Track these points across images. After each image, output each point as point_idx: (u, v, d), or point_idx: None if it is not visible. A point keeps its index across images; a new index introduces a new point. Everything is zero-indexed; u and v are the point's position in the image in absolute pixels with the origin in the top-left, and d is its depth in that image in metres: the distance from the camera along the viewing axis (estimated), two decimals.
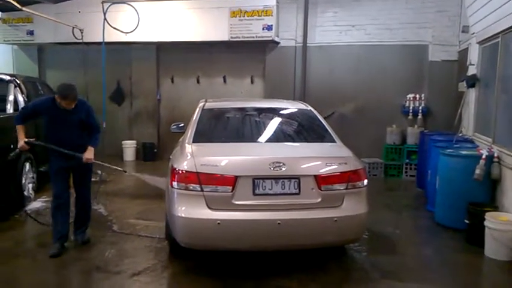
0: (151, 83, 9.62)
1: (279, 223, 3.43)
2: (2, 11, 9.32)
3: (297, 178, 3.57)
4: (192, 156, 3.67)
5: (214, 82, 9.36)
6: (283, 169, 3.53)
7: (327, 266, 3.99)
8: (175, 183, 3.58)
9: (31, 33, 9.40)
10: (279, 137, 4.27)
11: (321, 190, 3.58)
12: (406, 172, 8.00)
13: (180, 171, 3.57)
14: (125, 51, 9.25)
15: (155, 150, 9.56)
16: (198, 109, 4.57)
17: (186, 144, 3.95)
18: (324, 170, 3.63)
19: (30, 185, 5.87)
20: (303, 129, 4.49)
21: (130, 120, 9.86)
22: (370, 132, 8.15)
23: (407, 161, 7.96)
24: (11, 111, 5.75)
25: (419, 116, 7.96)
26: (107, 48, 8.42)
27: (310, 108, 4.81)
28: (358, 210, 3.67)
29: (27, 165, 5.76)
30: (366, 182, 3.78)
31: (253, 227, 3.47)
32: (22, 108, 5.20)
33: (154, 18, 8.55)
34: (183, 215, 3.52)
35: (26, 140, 4.24)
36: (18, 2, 7.25)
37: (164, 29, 8.60)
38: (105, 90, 8.74)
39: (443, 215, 5.17)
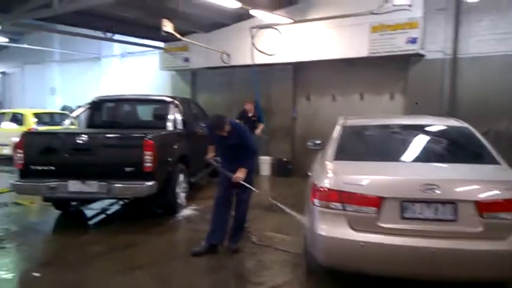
0: (288, 101, 9.89)
1: (432, 252, 3.10)
2: (164, 42, 10.77)
3: (454, 203, 3.19)
4: (334, 173, 3.59)
5: (350, 99, 9.18)
6: (437, 192, 3.20)
7: None
8: (316, 201, 3.53)
9: (186, 60, 10.63)
10: (429, 156, 3.91)
11: (482, 218, 3.13)
12: None
13: (322, 189, 3.51)
14: (265, 72, 9.73)
15: (289, 167, 9.73)
16: (338, 126, 4.49)
17: (327, 162, 3.89)
18: (487, 196, 3.17)
19: (183, 194, 6.50)
20: (458, 149, 4.04)
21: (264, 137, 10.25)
22: None
23: None
24: (171, 128, 6.50)
25: None
26: (248, 70, 8.99)
27: (465, 125, 4.31)
28: None
29: (181, 176, 6.39)
30: None
31: (402, 253, 3.19)
32: None
33: (294, 39, 8.83)
34: (324, 234, 3.44)
35: (209, 157, 5.02)
36: (178, 33, 8.29)
37: (303, 49, 8.80)
38: (260, 110, 9.18)
39: None
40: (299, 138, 9.71)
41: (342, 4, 8.12)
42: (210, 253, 4.63)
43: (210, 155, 5.04)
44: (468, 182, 3.36)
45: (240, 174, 4.61)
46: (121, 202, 6.94)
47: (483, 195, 3.18)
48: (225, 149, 4.81)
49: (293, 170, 9.62)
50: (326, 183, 3.52)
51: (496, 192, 3.18)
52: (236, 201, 4.86)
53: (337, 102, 9.35)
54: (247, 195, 4.82)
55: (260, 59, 9.02)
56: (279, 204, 4.95)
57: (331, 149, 4.09)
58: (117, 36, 10.42)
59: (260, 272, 4.26)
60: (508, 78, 7.39)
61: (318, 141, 5.38)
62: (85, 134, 5.64)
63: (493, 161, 3.68)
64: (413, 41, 7.57)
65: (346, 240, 3.33)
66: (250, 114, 9.04)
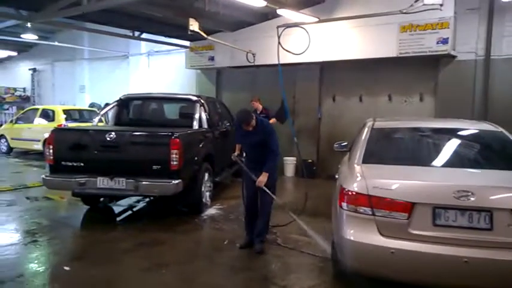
0: (313, 102, 9.80)
1: (465, 261, 3.00)
2: (190, 41, 10.85)
3: (489, 211, 3.08)
4: (362, 177, 3.51)
5: (378, 100, 9.02)
6: (472, 199, 3.09)
7: None
8: (344, 204, 3.46)
9: (212, 59, 10.67)
10: (463, 161, 3.79)
11: None
12: None
13: (350, 193, 3.44)
14: (290, 72, 9.61)
15: (314, 168, 9.64)
16: (366, 128, 4.40)
17: (355, 165, 3.81)
18: None
19: (208, 193, 6.53)
20: (492, 154, 3.91)
21: (291, 138, 10.18)
22: None
23: None
24: (197, 127, 6.54)
25: None
26: (273, 69, 8.92)
27: (500, 129, 4.15)
28: None
29: (206, 175, 6.42)
30: None
31: (434, 262, 3.10)
32: None
33: (320, 38, 8.73)
34: (352, 238, 3.37)
35: (235, 154, 5.10)
36: (203, 32, 8.33)
37: (329, 49, 8.70)
38: (288, 110, 9.11)
39: None
40: (324, 140, 9.62)
41: (369, 3, 7.98)
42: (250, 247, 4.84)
43: (236, 153, 5.09)
44: (504, 189, 3.23)
45: (262, 179, 4.64)
46: (147, 200, 7.03)
47: None
48: (249, 147, 4.87)
49: (318, 171, 9.53)
50: (355, 186, 3.45)
51: None
52: (260, 202, 4.88)
53: (364, 103, 9.20)
54: (271, 197, 4.81)
55: (286, 59, 8.89)
56: (297, 219, 4.95)
57: (359, 152, 4.00)
58: (144, 35, 10.57)
59: (285, 275, 4.24)
60: None
61: (345, 143, 5.31)
62: (113, 131, 5.73)
63: None
64: (444, 41, 7.37)
65: (375, 246, 3.25)
66: (258, 112, 9.01)
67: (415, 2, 5.91)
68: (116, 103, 7.44)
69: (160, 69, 13.45)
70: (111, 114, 7.67)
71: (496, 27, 7.51)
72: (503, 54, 7.50)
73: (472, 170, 3.65)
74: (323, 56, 8.84)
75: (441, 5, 5.84)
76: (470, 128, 4.42)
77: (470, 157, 3.88)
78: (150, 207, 6.95)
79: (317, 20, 8.29)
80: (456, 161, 3.80)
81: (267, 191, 4.69)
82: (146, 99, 7.90)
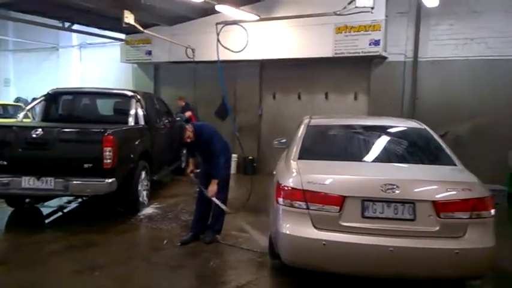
0: (254, 99, 9.89)
1: (391, 250, 3.18)
2: (126, 34, 10.45)
3: (412, 203, 3.29)
4: (298, 173, 3.60)
5: (315, 98, 9.29)
6: (397, 192, 3.28)
7: None
8: (280, 200, 3.54)
9: (149, 53, 10.36)
10: (390, 157, 4.02)
11: (439, 218, 3.24)
12: None
13: (286, 188, 3.52)
14: (230, 69, 9.61)
15: (255, 165, 9.73)
16: (303, 125, 4.52)
17: (292, 161, 3.90)
18: (444, 196, 3.30)
19: (145, 192, 6.33)
20: (417, 150, 4.16)
21: (233, 135, 10.20)
22: (491, 156, 7.30)
23: None
24: (132, 123, 6.31)
25: None
26: (213, 66, 8.87)
27: (424, 126, 4.45)
28: (484, 243, 3.25)
29: (143, 174, 6.22)
30: (493, 211, 3.33)
31: (362, 252, 3.25)
32: None
33: (260, 36, 8.81)
34: (287, 232, 3.45)
35: (189, 171, 5.14)
36: (140, 25, 8.06)
37: (269, 47, 8.81)
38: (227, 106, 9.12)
39: None
40: (265, 136, 9.73)
41: (307, 3, 8.18)
42: (195, 241, 4.85)
43: (190, 168, 5.12)
44: (426, 182, 3.47)
45: (212, 188, 4.74)
46: (79, 200, 6.68)
47: (440, 196, 3.29)
48: (199, 156, 4.99)
49: (258, 168, 9.63)
50: (290, 182, 3.54)
51: (452, 192, 3.31)
52: (214, 204, 4.91)
53: (303, 101, 9.43)
54: (223, 195, 4.93)
55: (226, 55, 8.88)
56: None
57: (295, 148, 4.11)
58: (75, 26, 10.00)
59: (224, 272, 4.24)
60: (466, 83, 7.75)
61: (284, 140, 5.41)
62: (40, 127, 5.37)
63: (450, 162, 3.82)
64: (376, 43, 7.75)
65: (309, 239, 3.35)
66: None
67: (349, 4, 6.16)
68: (43, 98, 6.96)
69: (93, 62, 12.80)
70: (38, 109, 7.16)
71: (423, 30, 8.04)
72: (428, 57, 8.05)
73: (399, 164, 3.88)
74: (262, 54, 8.93)
75: (372, 8, 6.13)
76: (398, 125, 4.70)
77: (397, 152, 4.11)
78: (83, 207, 6.61)
79: (258, 18, 8.35)
80: (384, 156, 4.03)
81: (218, 202, 4.80)
82: (77, 94, 7.49)
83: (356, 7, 6.10)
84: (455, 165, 3.78)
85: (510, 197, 7.16)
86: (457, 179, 3.52)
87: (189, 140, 4.73)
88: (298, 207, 3.43)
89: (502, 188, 7.18)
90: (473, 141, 7.50)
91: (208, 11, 8.80)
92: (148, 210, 6.21)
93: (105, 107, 7.59)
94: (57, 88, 7.40)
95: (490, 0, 7.50)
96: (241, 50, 8.60)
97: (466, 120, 7.66)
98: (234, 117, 9.76)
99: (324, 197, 3.37)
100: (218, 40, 6.84)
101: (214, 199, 4.77)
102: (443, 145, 4.07)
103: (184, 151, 5.34)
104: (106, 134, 5.21)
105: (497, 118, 7.39)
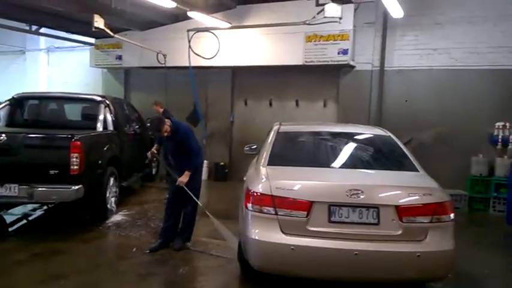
0: (226, 106, 9.90)
1: (356, 254, 3.27)
2: (96, 38, 10.27)
3: (376, 207, 3.40)
4: (267, 179, 3.66)
5: (286, 105, 9.41)
6: (361, 197, 3.39)
7: None
8: (249, 205, 3.58)
9: (119, 58, 10.21)
10: (356, 163, 4.14)
11: (402, 222, 3.37)
12: (494, 206, 7.31)
13: (255, 194, 3.57)
14: (202, 75, 9.61)
15: (226, 171, 9.74)
16: (272, 132, 4.59)
17: (261, 167, 3.96)
18: (406, 201, 3.43)
19: (113, 199, 6.24)
20: (381, 156, 4.30)
21: (205, 141, 10.18)
22: (453, 162, 7.61)
23: (495, 194, 7.28)
24: (101, 129, 6.21)
25: (510, 146, 7.29)
26: (185, 71, 8.87)
27: (389, 134, 4.62)
28: (444, 246, 3.40)
29: (112, 180, 6.13)
30: (452, 216, 3.49)
31: (328, 256, 3.34)
32: None
33: (231, 44, 8.87)
34: (256, 238, 3.49)
35: (154, 150, 5.05)
36: (110, 30, 7.96)
37: (240, 54, 8.87)
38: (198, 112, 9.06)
39: None
40: (236, 143, 9.75)
41: (279, 12, 8.33)
42: (164, 248, 4.82)
43: (153, 150, 5.06)
44: (389, 187, 3.60)
45: (183, 178, 4.72)
46: (45, 207, 6.49)
47: (402, 200, 3.42)
48: (171, 151, 4.94)
49: (230, 174, 9.64)
50: (259, 188, 3.59)
51: (414, 197, 3.45)
52: (184, 201, 4.91)
53: (274, 108, 9.53)
54: (195, 186, 4.92)
55: (198, 62, 8.93)
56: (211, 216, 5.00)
57: (265, 154, 4.17)
58: (43, 29, 9.74)
59: (193, 279, 4.24)
60: (430, 92, 8.04)
61: (254, 146, 5.47)
62: (3, 133, 5.22)
63: (413, 168, 3.98)
64: (344, 52, 7.96)
65: (277, 244, 3.40)
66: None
67: (317, 14, 6.32)
68: (8, 102, 6.76)
69: (62, 66, 12.47)
70: (2, 114, 6.93)
71: (389, 41, 8.31)
72: (394, 66, 8.32)
73: (364, 170, 4.00)
74: (234, 61, 8.99)
75: (340, 18, 6.32)
76: (364, 132, 4.84)
77: (363, 159, 4.24)
78: (48, 215, 6.42)
79: (230, 25, 8.42)
80: (351, 163, 4.14)
81: (187, 190, 4.76)
82: (44, 98, 7.31)
83: (325, 17, 6.26)
84: (417, 171, 3.93)
85: (471, 201, 7.48)
86: (418, 184, 3.66)
87: (165, 134, 4.71)
88: (267, 213, 3.48)
89: (463, 193, 7.50)
90: (436, 148, 7.78)
91: (180, 17, 8.79)
92: (117, 217, 6.11)
93: (73, 112, 7.43)
94: (23, 92, 7.20)
95: (453, 12, 7.83)
96: (213, 57, 8.65)
97: (429, 127, 7.95)
98: (205, 123, 9.78)
99: (292, 202, 3.44)
100: (190, 47, 6.86)
101: (184, 187, 4.74)
102: (407, 152, 4.23)
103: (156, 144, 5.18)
104: (73, 139, 5.13)
105: (459, 126, 7.71)
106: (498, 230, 6.46)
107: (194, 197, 4.85)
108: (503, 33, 7.50)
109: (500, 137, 7.40)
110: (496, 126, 7.45)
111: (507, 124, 7.38)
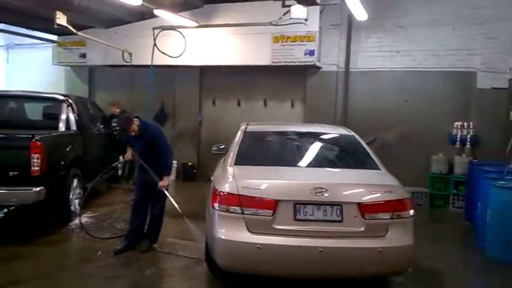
0: (194, 105, 9.83)
1: (320, 251, 3.35)
2: (58, 35, 9.95)
3: (340, 205, 3.49)
4: (233, 178, 3.68)
5: (254, 105, 9.46)
6: (325, 195, 3.47)
7: None
8: (216, 205, 3.59)
9: (83, 56, 9.93)
10: (321, 162, 4.23)
11: (364, 219, 3.47)
12: (453, 203, 7.64)
13: (222, 193, 3.58)
14: (169, 74, 9.51)
15: (194, 171, 9.68)
16: (239, 132, 4.62)
17: (228, 167, 3.98)
18: (368, 198, 3.53)
19: (77, 201, 6.06)
20: (345, 155, 4.42)
21: (172, 141, 10.06)
22: (414, 160, 7.89)
23: (454, 191, 7.62)
24: (63, 129, 6.04)
25: (468, 145, 7.65)
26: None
27: (352, 133, 4.74)
28: (403, 241, 3.52)
29: (75, 181, 5.97)
30: (412, 212, 3.63)
31: (294, 253, 3.39)
32: None
33: (198, 43, 8.82)
34: (223, 237, 3.51)
35: (127, 156, 5.01)
36: (73, 27, 7.74)
37: (208, 54, 8.84)
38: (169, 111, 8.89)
39: (496, 250, 4.87)
40: (204, 143, 9.70)
41: (245, 12, 8.34)
42: (129, 250, 4.73)
43: (128, 153, 4.98)
44: (352, 185, 3.71)
45: (163, 183, 4.72)
46: (4, 210, 6.24)
47: (364, 198, 3.53)
48: (139, 151, 4.83)
49: (198, 174, 9.59)
50: (226, 187, 3.60)
51: (375, 195, 3.55)
52: (152, 202, 4.87)
53: (242, 107, 9.55)
54: (163, 198, 4.86)
55: (164, 60, 8.82)
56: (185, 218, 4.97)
57: (232, 154, 4.19)
58: (1, 26, 9.35)
59: (160, 280, 4.19)
60: (393, 93, 8.29)
61: (222, 146, 5.47)
62: None
63: (375, 167, 4.10)
64: (311, 53, 8.08)
65: (243, 243, 3.43)
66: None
67: (284, 15, 6.39)
68: None
69: (22, 64, 11.98)
70: None
71: (354, 43, 8.50)
72: (359, 67, 8.53)
73: (328, 169, 4.10)
74: (201, 61, 8.94)
75: (306, 19, 6.42)
76: (329, 132, 4.95)
77: (328, 158, 4.34)
78: (8, 218, 6.18)
79: (196, 24, 8.37)
80: (315, 162, 4.23)
81: (168, 195, 4.80)
82: (3, 97, 7.02)
83: (291, 18, 6.34)
84: (379, 169, 4.06)
85: (432, 198, 7.78)
86: (380, 182, 3.78)
87: (133, 133, 4.62)
88: (233, 212, 3.50)
89: (425, 191, 7.79)
90: (398, 147, 8.04)
91: (146, 14, 8.65)
92: (82, 220, 5.94)
93: (34, 112, 7.17)
94: None
95: (414, 16, 8.10)
96: (179, 56, 8.57)
97: (392, 127, 8.21)
98: (173, 123, 9.68)
99: (259, 201, 3.47)
100: (155, 44, 6.77)
101: (165, 191, 4.76)
102: (369, 151, 4.36)
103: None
104: (34, 139, 4.95)
105: (420, 126, 8.00)
106: (457, 225, 6.74)
107: (175, 204, 4.87)
108: (461, 36, 7.84)
109: (458, 136, 7.74)
110: (455, 126, 7.79)
111: (465, 124, 7.72)
